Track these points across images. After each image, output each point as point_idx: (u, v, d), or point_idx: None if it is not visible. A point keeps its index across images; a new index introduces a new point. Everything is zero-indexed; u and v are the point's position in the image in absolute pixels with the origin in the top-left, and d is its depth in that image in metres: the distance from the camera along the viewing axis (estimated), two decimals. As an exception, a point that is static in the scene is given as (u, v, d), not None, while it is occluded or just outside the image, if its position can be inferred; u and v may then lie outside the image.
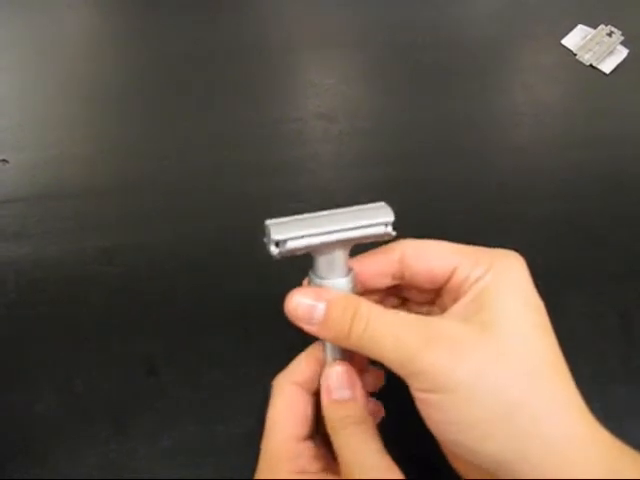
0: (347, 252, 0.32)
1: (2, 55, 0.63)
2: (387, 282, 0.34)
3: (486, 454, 0.27)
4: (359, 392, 0.33)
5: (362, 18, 0.65)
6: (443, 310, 0.32)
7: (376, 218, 0.31)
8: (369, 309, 0.30)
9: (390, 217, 0.31)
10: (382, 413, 0.36)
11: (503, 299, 0.29)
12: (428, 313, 0.35)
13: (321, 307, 0.31)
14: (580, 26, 0.64)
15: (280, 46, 0.63)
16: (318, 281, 0.33)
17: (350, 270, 0.33)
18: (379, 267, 0.33)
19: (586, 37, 0.62)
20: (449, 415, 0.28)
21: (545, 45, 0.63)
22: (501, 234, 0.49)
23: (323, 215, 0.32)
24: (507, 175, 0.53)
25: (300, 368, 0.35)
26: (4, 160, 0.54)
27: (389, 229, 0.32)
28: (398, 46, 0.63)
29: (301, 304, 0.31)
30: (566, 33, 0.63)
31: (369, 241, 0.32)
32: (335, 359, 0.34)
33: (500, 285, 0.30)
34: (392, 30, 0.64)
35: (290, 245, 0.31)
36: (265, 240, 0.32)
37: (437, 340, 0.28)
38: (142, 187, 0.53)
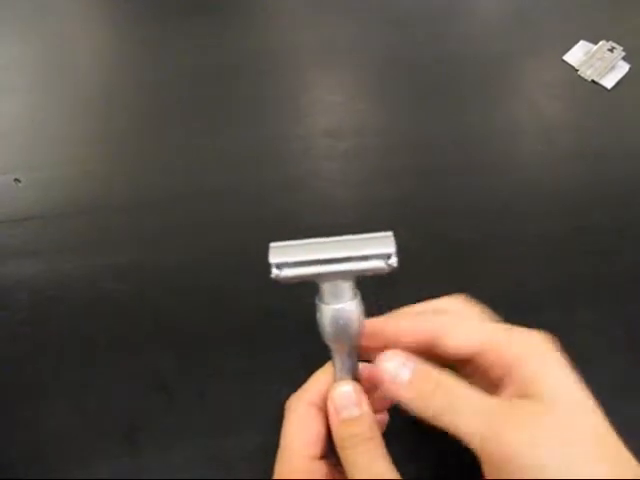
0: (351, 280, 0.33)
1: (15, 74, 0.64)
2: (411, 348, 0.35)
3: None
4: (366, 409, 0.34)
5: (367, 35, 0.66)
6: (471, 379, 0.33)
7: (378, 249, 0.31)
8: (451, 380, 0.31)
9: (392, 249, 0.31)
10: (386, 419, 0.37)
11: (554, 377, 0.31)
12: None
13: (407, 372, 0.32)
14: (582, 42, 0.64)
15: (286, 64, 0.64)
16: (324, 307, 0.33)
17: (356, 294, 0.33)
18: (408, 335, 0.34)
19: (587, 53, 0.63)
20: None
21: (547, 61, 0.64)
22: (506, 250, 0.50)
23: (327, 242, 0.32)
24: (510, 191, 0.54)
25: (315, 387, 0.36)
26: (17, 180, 0.55)
27: (392, 261, 0.31)
28: (401, 63, 0.63)
29: (392, 369, 0.32)
30: (568, 49, 0.64)
31: (371, 275, 0.32)
32: (342, 378, 0.35)
33: (549, 365, 0.31)
34: (396, 47, 0.65)
35: (287, 273, 0.32)
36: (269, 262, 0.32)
37: (514, 418, 0.29)
38: (155, 204, 0.53)
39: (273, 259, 0.32)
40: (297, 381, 0.37)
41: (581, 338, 0.44)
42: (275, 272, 0.32)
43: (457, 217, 0.52)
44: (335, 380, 0.35)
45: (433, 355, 0.34)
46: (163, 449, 0.42)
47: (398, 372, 0.32)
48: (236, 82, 0.62)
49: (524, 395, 0.30)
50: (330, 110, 0.60)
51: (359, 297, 0.33)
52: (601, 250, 0.50)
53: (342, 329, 0.33)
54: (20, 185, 0.54)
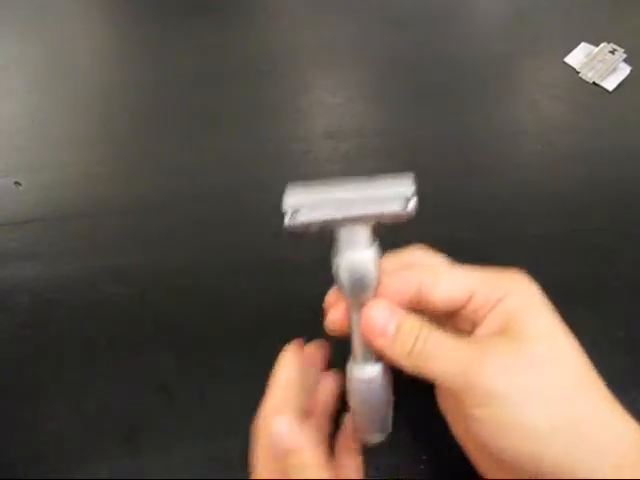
0: (369, 226, 0.32)
1: (15, 75, 0.64)
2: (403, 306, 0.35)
3: (541, 458, 0.28)
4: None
5: (367, 36, 0.66)
6: (458, 330, 0.35)
7: (397, 189, 0.31)
8: (429, 329, 0.32)
9: (411, 191, 0.31)
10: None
11: (537, 316, 0.32)
12: None
13: (392, 325, 0.33)
14: (583, 44, 0.64)
15: (286, 64, 0.64)
16: (340, 255, 0.32)
17: (374, 242, 0.32)
18: (397, 295, 0.34)
19: (589, 55, 0.63)
20: (506, 425, 0.29)
21: (548, 63, 0.64)
22: (506, 250, 0.50)
23: (344, 185, 0.31)
24: (511, 192, 0.54)
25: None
26: (17, 183, 0.55)
27: (410, 207, 0.31)
28: (402, 64, 0.63)
29: (378, 319, 0.33)
30: (569, 51, 0.64)
31: (389, 221, 0.32)
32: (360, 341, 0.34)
33: (528, 303, 0.32)
34: (396, 48, 0.65)
35: (301, 218, 0.31)
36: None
37: (491, 353, 0.30)
38: (155, 206, 0.53)
39: (288, 202, 0.30)
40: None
41: (580, 339, 0.44)
42: (289, 219, 0.31)
43: (457, 217, 0.52)
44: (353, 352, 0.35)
45: (416, 311, 0.34)
46: (163, 449, 0.42)
47: (387, 325, 0.33)
48: (236, 83, 0.62)
49: (505, 331, 0.32)
50: (330, 111, 0.60)
51: (377, 245, 0.32)
52: (601, 251, 0.50)
53: (360, 278, 0.32)
54: (20, 188, 0.55)
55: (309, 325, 0.44)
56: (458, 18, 0.68)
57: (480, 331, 0.33)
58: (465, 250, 0.50)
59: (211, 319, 0.47)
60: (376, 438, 0.37)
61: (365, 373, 0.34)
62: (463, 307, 0.34)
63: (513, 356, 0.30)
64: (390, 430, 0.37)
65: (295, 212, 0.31)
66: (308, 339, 0.40)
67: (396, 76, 0.63)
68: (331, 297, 0.36)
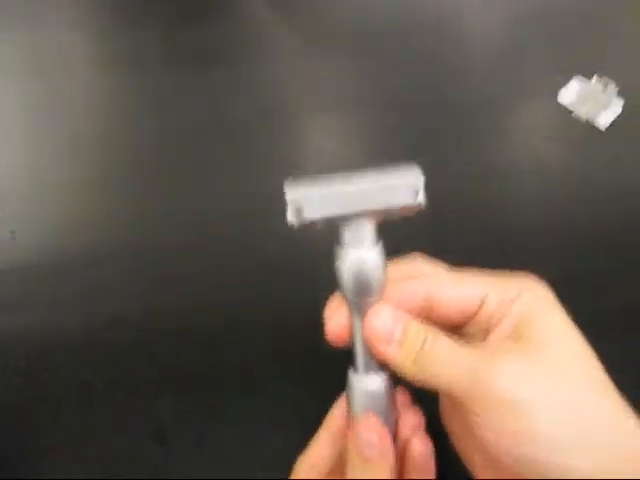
0: (374, 221, 0.30)
1: (9, 124, 0.64)
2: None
3: (553, 464, 0.27)
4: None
5: (361, 80, 0.66)
6: (469, 339, 0.33)
7: (405, 181, 0.29)
8: (435, 333, 0.31)
9: (420, 181, 0.30)
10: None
11: (548, 318, 0.31)
12: None
13: (399, 329, 0.31)
14: (575, 79, 0.65)
15: (280, 111, 0.64)
16: (344, 253, 0.30)
17: (379, 240, 0.31)
18: (403, 306, 0.33)
19: (581, 91, 0.64)
20: (517, 432, 0.28)
21: (542, 101, 0.64)
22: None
23: (349, 181, 0.29)
24: (507, 232, 0.54)
25: (319, 449, 0.35)
26: (11, 231, 0.55)
27: (420, 198, 0.30)
28: (397, 107, 0.64)
29: (382, 324, 0.31)
30: (562, 87, 0.64)
31: (398, 214, 0.30)
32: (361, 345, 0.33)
33: (540, 305, 0.31)
34: (391, 91, 0.65)
35: (309, 214, 0.29)
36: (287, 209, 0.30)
37: (501, 357, 0.29)
38: (149, 251, 0.53)
39: (291, 196, 0.28)
40: (294, 425, 0.37)
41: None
42: (295, 216, 0.29)
43: (454, 257, 0.52)
44: (355, 361, 0.33)
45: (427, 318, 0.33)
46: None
47: (393, 331, 0.31)
48: (226, 134, 0.62)
49: (516, 335, 0.31)
50: (325, 157, 0.60)
51: (381, 244, 0.31)
52: (599, 291, 0.50)
53: (364, 279, 0.30)
54: (15, 236, 0.54)
55: (309, 365, 0.44)
56: (451, 60, 0.69)
57: (492, 336, 0.32)
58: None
59: (209, 360, 0.47)
60: None
61: (367, 383, 0.33)
62: (475, 314, 0.32)
63: (524, 361, 0.29)
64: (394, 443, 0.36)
65: (299, 208, 0.29)
66: (308, 379, 0.40)
67: (391, 119, 0.63)
68: (331, 307, 0.35)
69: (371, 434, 0.32)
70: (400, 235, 0.53)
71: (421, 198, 0.30)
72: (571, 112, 0.62)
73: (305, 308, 0.47)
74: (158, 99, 0.65)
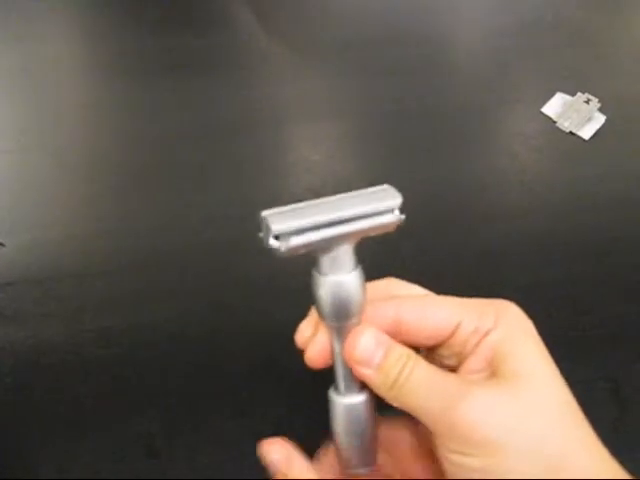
0: (353, 244, 0.30)
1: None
2: None
3: None
4: None
5: (346, 90, 0.67)
6: (440, 363, 0.33)
7: (385, 202, 0.29)
8: (415, 361, 0.31)
9: (397, 200, 0.29)
10: None
11: (522, 351, 0.30)
12: None
13: (380, 353, 0.31)
14: (559, 94, 0.66)
15: (268, 122, 0.64)
16: (323, 279, 0.30)
17: (357, 264, 0.30)
18: (372, 323, 0.32)
19: (565, 105, 0.65)
20: (487, 471, 0.28)
21: (526, 113, 0.65)
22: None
23: (325, 204, 0.29)
24: (492, 242, 0.54)
25: None
26: (1, 243, 0.54)
27: (398, 216, 0.30)
28: (382, 116, 0.64)
29: (363, 347, 0.31)
30: (545, 101, 0.65)
31: (377, 233, 0.30)
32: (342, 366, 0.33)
33: (514, 337, 0.31)
34: (376, 101, 0.66)
35: (291, 242, 0.28)
36: (261, 235, 0.29)
37: (474, 393, 0.29)
38: (139, 266, 0.53)
39: (274, 227, 0.27)
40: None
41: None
42: (276, 244, 0.28)
43: (438, 266, 0.53)
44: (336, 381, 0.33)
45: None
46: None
47: (373, 354, 0.31)
48: (221, 144, 0.62)
49: (491, 368, 0.30)
50: (314, 168, 0.60)
51: (360, 267, 0.31)
52: (581, 303, 0.51)
53: (345, 304, 0.30)
54: (4, 249, 0.54)
55: (300, 381, 0.44)
56: (437, 70, 0.69)
57: (467, 366, 0.31)
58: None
59: (199, 379, 0.47)
60: (360, 472, 0.35)
61: (348, 403, 0.33)
62: (447, 339, 0.32)
63: (495, 398, 0.28)
64: (375, 464, 0.35)
65: (279, 236, 0.28)
66: (299, 397, 0.40)
67: (377, 128, 0.64)
68: (305, 329, 0.34)
69: None
70: (381, 240, 0.54)
71: (399, 216, 0.30)
72: (555, 122, 0.63)
73: (292, 325, 0.48)
74: (141, 109, 0.66)
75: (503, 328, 0.31)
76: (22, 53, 0.70)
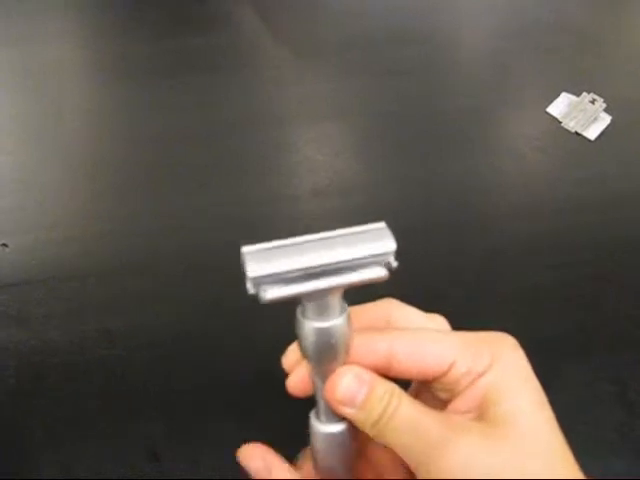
0: (341, 292, 0.28)
1: (1, 137, 0.64)
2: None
3: None
4: None
5: (350, 90, 0.67)
6: (432, 395, 0.32)
7: (375, 252, 0.27)
8: (400, 398, 0.30)
9: (391, 248, 0.27)
10: None
11: (514, 395, 0.29)
12: None
13: (363, 391, 0.30)
14: (564, 94, 0.66)
15: (271, 122, 0.64)
16: (307, 324, 0.28)
17: (344, 308, 0.29)
18: (362, 361, 0.31)
19: (570, 105, 0.64)
20: None
21: (531, 113, 0.65)
22: (490, 303, 0.50)
23: (312, 244, 0.26)
24: (497, 243, 0.54)
25: None
26: (4, 244, 0.54)
27: (391, 266, 0.27)
28: (385, 117, 0.64)
29: (344, 389, 0.30)
30: (551, 101, 0.65)
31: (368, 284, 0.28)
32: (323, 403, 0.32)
33: (507, 382, 0.30)
34: (380, 102, 0.66)
35: (273, 293, 0.26)
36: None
37: (459, 438, 0.28)
38: (142, 268, 0.53)
39: (251, 274, 0.25)
40: (289, 445, 0.36)
41: (566, 393, 0.43)
42: (253, 290, 0.26)
43: (441, 269, 0.52)
44: (317, 408, 0.32)
45: (385, 374, 0.31)
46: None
47: (354, 395, 0.30)
48: (223, 143, 0.62)
49: (479, 414, 0.29)
50: (317, 169, 0.60)
51: (348, 311, 0.29)
52: (585, 300, 0.50)
53: (330, 349, 0.29)
54: (7, 250, 0.54)
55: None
56: (442, 71, 0.69)
57: (456, 405, 0.30)
58: (449, 305, 0.50)
59: (203, 381, 0.47)
60: None
61: (328, 433, 0.32)
62: (440, 377, 0.31)
63: (482, 443, 0.28)
64: None
65: (259, 285, 0.26)
66: (302, 400, 0.40)
67: (380, 128, 0.64)
68: (290, 358, 0.33)
69: None
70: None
71: (392, 266, 0.27)
72: (560, 122, 0.63)
73: (290, 333, 0.47)
74: (145, 109, 0.66)
75: (497, 371, 0.30)
76: (23, 54, 0.70)
